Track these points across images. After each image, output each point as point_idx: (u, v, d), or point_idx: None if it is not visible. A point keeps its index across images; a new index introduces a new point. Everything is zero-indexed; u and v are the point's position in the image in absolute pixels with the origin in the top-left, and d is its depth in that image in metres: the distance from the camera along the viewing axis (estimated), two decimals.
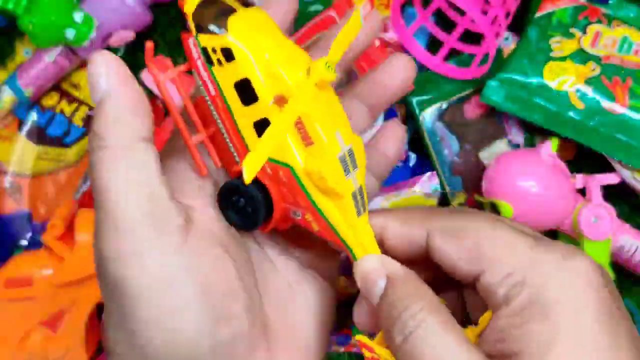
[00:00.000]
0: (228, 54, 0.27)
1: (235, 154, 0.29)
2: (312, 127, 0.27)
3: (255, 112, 0.27)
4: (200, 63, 0.28)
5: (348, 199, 0.28)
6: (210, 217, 0.29)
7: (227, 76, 0.27)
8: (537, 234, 0.28)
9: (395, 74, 0.34)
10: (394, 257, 0.29)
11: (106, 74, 0.27)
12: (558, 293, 0.25)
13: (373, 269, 0.28)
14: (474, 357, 0.25)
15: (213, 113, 0.29)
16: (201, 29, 0.27)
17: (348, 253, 0.29)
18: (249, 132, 0.28)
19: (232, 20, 0.27)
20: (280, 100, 0.27)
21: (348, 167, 0.28)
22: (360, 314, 0.31)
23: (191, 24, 0.27)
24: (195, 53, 0.28)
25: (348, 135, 0.28)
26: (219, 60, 0.27)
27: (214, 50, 0.27)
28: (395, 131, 0.35)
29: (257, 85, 0.27)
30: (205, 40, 0.27)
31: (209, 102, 0.29)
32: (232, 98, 0.28)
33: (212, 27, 0.27)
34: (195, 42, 0.27)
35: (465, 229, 0.28)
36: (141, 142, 0.27)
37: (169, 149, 0.31)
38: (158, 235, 0.26)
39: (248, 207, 0.29)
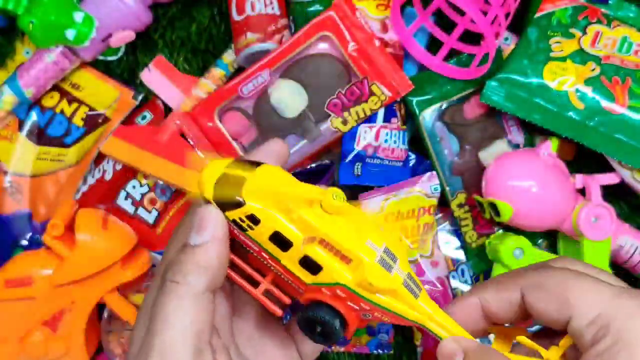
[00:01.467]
0: (253, 219, 0.32)
1: (295, 285, 0.33)
2: (344, 249, 0.31)
3: (294, 254, 0.32)
4: (237, 232, 0.33)
5: (402, 289, 0.32)
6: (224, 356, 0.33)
7: (261, 234, 0.32)
8: (620, 283, 0.32)
9: None
10: (498, 322, 0.34)
11: (214, 225, 0.32)
12: (637, 335, 0.28)
13: (452, 348, 0.32)
14: None
15: (265, 263, 0.33)
16: (224, 208, 0.32)
17: (422, 329, 0.33)
18: (298, 269, 0.32)
19: (245, 190, 0.32)
20: (310, 240, 0.32)
21: (389, 264, 0.32)
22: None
23: (215, 206, 0.32)
24: (230, 225, 0.33)
25: (379, 237, 0.33)
26: (249, 226, 0.32)
27: (242, 220, 0.32)
28: (277, 148, 0.39)
29: (287, 233, 0.32)
30: (232, 214, 0.32)
31: (257, 257, 0.33)
32: (273, 248, 0.32)
33: (233, 202, 0.32)
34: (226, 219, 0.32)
35: (552, 282, 0.32)
36: (210, 292, 0.32)
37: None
38: None
39: (326, 329, 0.33)
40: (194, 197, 0.34)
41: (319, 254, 0.32)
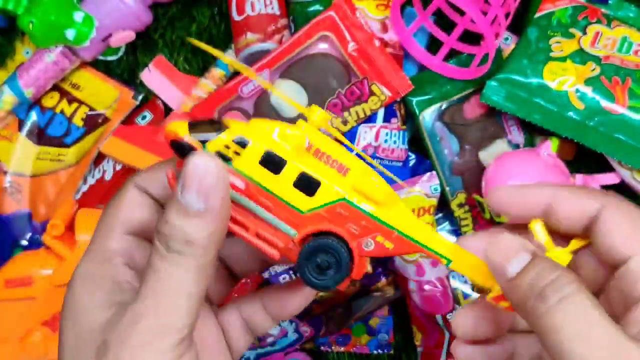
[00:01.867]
0: (241, 142, 0.29)
1: (288, 227, 0.31)
2: (342, 157, 0.30)
3: (289, 173, 0.29)
4: None
5: (402, 204, 0.30)
6: None
7: (249, 160, 0.29)
8: None
9: None
10: (552, 226, 0.31)
11: (219, 185, 0.29)
12: None
13: (515, 242, 0.29)
14: (618, 339, 0.26)
15: (251, 207, 0.30)
16: (204, 140, 0.29)
17: (430, 254, 0.31)
18: (292, 195, 0.30)
19: (225, 122, 0.30)
20: (309, 148, 0.30)
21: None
22: (464, 319, 0.32)
23: (194, 142, 0.29)
24: None
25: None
26: (235, 152, 0.29)
27: (227, 147, 0.29)
28: None
29: (279, 151, 0.29)
30: (214, 145, 0.29)
31: (242, 200, 0.30)
32: (262, 175, 0.29)
33: (216, 129, 0.29)
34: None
35: (635, 212, 0.29)
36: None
37: None
38: None
39: (333, 261, 0.30)
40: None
41: (316, 166, 0.29)
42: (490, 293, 0.30)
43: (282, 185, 0.30)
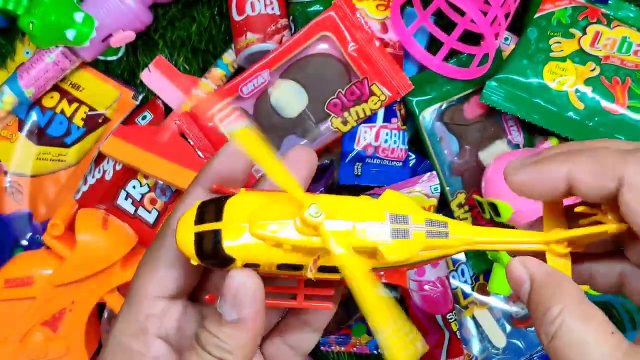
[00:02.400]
0: (251, 265, 0.30)
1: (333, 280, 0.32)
2: (354, 246, 0.29)
3: (310, 269, 0.30)
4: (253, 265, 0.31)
5: (429, 242, 0.30)
6: None
7: (269, 268, 0.30)
8: None
9: None
10: (580, 195, 0.30)
11: (252, 298, 0.30)
12: None
13: (519, 273, 0.30)
14: (616, 347, 0.26)
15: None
16: (220, 266, 0.30)
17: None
18: (323, 275, 0.31)
19: (226, 246, 0.29)
20: (316, 259, 0.30)
21: (403, 230, 0.30)
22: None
23: (212, 267, 0.30)
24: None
25: (377, 210, 0.31)
26: (253, 268, 0.30)
27: (247, 265, 0.30)
28: (304, 155, 0.36)
29: (289, 261, 0.30)
30: (231, 269, 0.30)
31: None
32: (288, 272, 0.31)
33: (221, 263, 0.30)
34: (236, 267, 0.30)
35: None
36: None
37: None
38: None
39: None
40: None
41: (331, 261, 0.29)
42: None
43: (309, 272, 0.30)
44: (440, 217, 0.31)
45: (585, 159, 0.29)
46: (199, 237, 0.29)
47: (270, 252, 0.29)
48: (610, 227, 0.29)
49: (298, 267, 0.30)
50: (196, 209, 0.30)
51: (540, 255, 0.31)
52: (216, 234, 0.29)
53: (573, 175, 0.29)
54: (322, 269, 0.30)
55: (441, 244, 0.31)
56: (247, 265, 0.29)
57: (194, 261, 0.30)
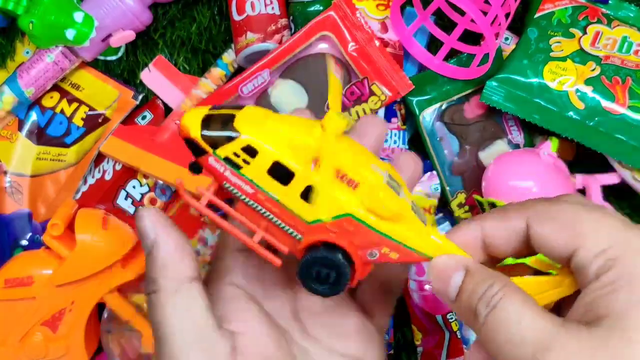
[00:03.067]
0: (250, 150, 0.29)
1: (295, 232, 0.31)
2: (353, 171, 0.29)
3: (296, 185, 0.29)
4: (229, 173, 0.30)
5: (410, 214, 0.30)
6: (256, 339, 0.32)
7: (257, 169, 0.29)
8: (627, 219, 0.30)
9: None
10: (497, 255, 0.31)
11: (152, 226, 0.31)
12: None
13: (448, 264, 0.30)
14: (557, 321, 0.27)
15: (258, 209, 0.30)
16: (215, 144, 0.29)
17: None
18: (299, 205, 0.30)
19: (237, 122, 0.29)
20: (317, 162, 0.29)
21: (396, 188, 0.30)
22: None
23: (204, 145, 0.29)
24: (220, 167, 0.30)
25: (381, 164, 0.31)
26: (244, 160, 0.29)
27: (236, 155, 0.29)
28: (411, 162, 0.37)
29: (287, 163, 0.29)
30: (224, 151, 0.29)
31: (250, 203, 0.30)
32: (271, 185, 0.29)
33: (226, 135, 0.29)
34: (215, 158, 0.29)
35: (561, 211, 0.29)
36: (187, 282, 0.31)
37: (214, 275, 0.35)
38: None
39: (333, 273, 0.30)
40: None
41: (325, 179, 0.29)
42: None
43: (289, 195, 0.30)
44: (423, 212, 0.31)
45: (491, 216, 0.31)
46: (210, 116, 0.30)
47: (277, 144, 0.29)
48: (554, 276, 0.30)
49: (289, 177, 0.29)
50: (211, 106, 0.30)
51: None
52: (230, 115, 0.29)
53: (484, 233, 0.31)
54: (305, 193, 0.29)
55: (417, 227, 0.30)
56: (244, 150, 0.29)
57: (194, 132, 0.29)
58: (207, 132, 0.29)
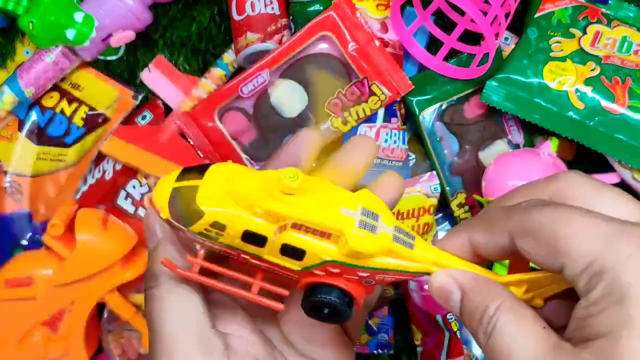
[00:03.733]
0: (218, 226, 0.30)
1: (290, 275, 0.32)
2: (319, 225, 0.30)
3: (272, 246, 0.30)
4: (209, 243, 0.31)
5: (394, 246, 0.30)
6: (246, 341, 0.33)
7: (232, 238, 0.30)
8: (619, 217, 0.28)
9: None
10: (489, 260, 0.31)
11: (162, 224, 0.32)
12: (632, 278, 0.25)
13: (444, 284, 0.31)
14: (549, 343, 0.27)
15: (250, 262, 0.31)
16: (187, 222, 0.30)
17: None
18: (283, 260, 0.31)
19: (199, 199, 0.30)
20: (282, 228, 0.30)
21: (371, 225, 0.30)
22: None
23: (178, 225, 0.30)
24: (199, 239, 0.30)
25: (352, 201, 0.31)
26: (217, 233, 0.30)
27: (208, 230, 0.30)
28: (393, 181, 0.36)
29: (257, 229, 0.30)
30: (197, 227, 0.30)
31: (239, 259, 0.32)
32: (249, 248, 0.30)
33: (192, 215, 0.30)
34: (191, 234, 0.30)
35: (541, 225, 0.28)
36: (187, 280, 0.31)
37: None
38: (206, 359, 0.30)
39: (333, 309, 0.31)
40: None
41: (296, 239, 0.30)
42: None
43: (270, 252, 0.30)
44: (409, 230, 0.31)
45: (478, 225, 0.31)
46: (175, 192, 0.30)
47: (240, 216, 0.29)
48: (546, 274, 0.29)
49: (262, 240, 0.30)
50: (180, 171, 0.31)
51: None
52: (193, 189, 0.30)
53: (472, 244, 0.31)
54: (284, 250, 0.30)
55: (404, 254, 0.30)
56: (213, 226, 0.29)
57: (164, 214, 0.30)
58: (175, 212, 0.30)
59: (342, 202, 0.30)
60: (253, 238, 0.30)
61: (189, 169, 0.31)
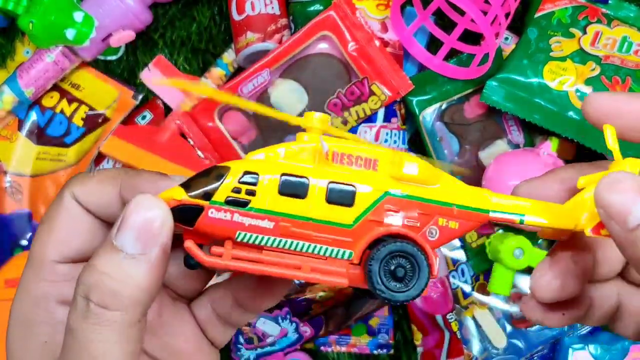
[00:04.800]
0: (250, 180, 0.25)
1: (341, 251, 0.27)
2: (363, 150, 0.26)
3: (316, 192, 0.26)
4: (238, 216, 0.25)
5: (443, 174, 0.27)
6: None
7: (267, 195, 0.25)
8: None
9: None
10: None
11: (162, 228, 0.25)
12: None
13: (626, 191, 0.25)
14: None
15: (287, 247, 0.26)
16: (207, 194, 0.25)
17: (500, 219, 0.28)
18: (330, 212, 0.26)
19: (217, 167, 0.26)
20: (326, 155, 0.26)
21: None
22: (550, 279, 0.29)
23: (196, 201, 0.25)
24: (224, 215, 0.25)
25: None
26: (248, 192, 0.25)
27: (237, 190, 0.25)
28: None
29: (295, 170, 0.26)
30: (221, 194, 0.25)
31: (275, 243, 0.26)
32: (290, 206, 0.26)
33: (214, 180, 0.25)
34: (216, 207, 0.25)
35: None
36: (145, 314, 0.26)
37: None
38: None
39: (412, 266, 0.26)
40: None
41: (341, 173, 0.26)
42: (586, 226, 0.27)
43: (315, 206, 0.26)
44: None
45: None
46: (186, 183, 0.26)
47: (274, 160, 0.26)
48: None
49: (304, 188, 0.25)
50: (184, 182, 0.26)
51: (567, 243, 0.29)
52: (208, 170, 0.26)
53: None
54: (331, 196, 0.26)
55: (464, 189, 0.28)
56: (243, 181, 0.25)
57: (179, 194, 0.25)
58: (192, 189, 0.25)
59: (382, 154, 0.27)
60: (293, 185, 0.25)
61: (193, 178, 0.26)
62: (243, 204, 0.25)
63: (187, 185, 0.26)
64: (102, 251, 0.24)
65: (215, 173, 0.25)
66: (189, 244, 0.26)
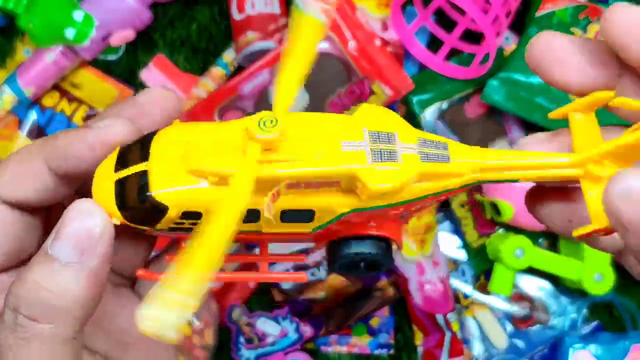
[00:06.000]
0: (190, 215, 0.23)
1: (299, 239, 0.26)
2: (319, 176, 0.23)
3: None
4: (185, 234, 0.24)
5: (425, 167, 0.23)
6: None
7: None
8: None
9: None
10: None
11: (102, 237, 0.23)
12: None
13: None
14: None
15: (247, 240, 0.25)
16: (149, 222, 0.23)
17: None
18: (289, 227, 0.24)
19: (153, 183, 0.22)
20: (275, 196, 0.22)
21: (388, 151, 0.23)
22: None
23: (138, 227, 0.23)
24: (170, 234, 0.24)
25: (354, 129, 0.24)
26: (192, 224, 0.23)
27: (179, 223, 0.23)
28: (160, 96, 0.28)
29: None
30: (163, 225, 0.23)
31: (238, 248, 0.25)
32: (242, 226, 0.22)
33: (153, 211, 0.23)
34: (162, 232, 0.24)
35: None
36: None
37: None
38: None
39: (371, 263, 0.25)
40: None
41: (297, 201, 0.23)
42: (584, 229, 0.24)
43: (271, 224, 0.24)
44: (437, 137, 0.24)
45: None
46: (120, 186, 0.23)
47: (214, 193, 0.22)
48: None
49: (254, 215, 0.23)
50: (117, 153, 0.24)
51: (569, 189, 0.25)
52: (142, 177, 0.22)
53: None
54: (286, 218, 0.23)
55: (441, 171, 0.23)
56: (185, 215, 0.23)
57: (117, 219, 0.23)
58: (130, 213, 0.23)
59: (341, 134, 0.23)
60: (247, 217, 0.23)
61: (127, 148, 0.24)
62: (189, 230, 0.23)
63: (121, 200, 0.23)
64: (35, 260, 0.22)
65: (152, 205, 0.23)
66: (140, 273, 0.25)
